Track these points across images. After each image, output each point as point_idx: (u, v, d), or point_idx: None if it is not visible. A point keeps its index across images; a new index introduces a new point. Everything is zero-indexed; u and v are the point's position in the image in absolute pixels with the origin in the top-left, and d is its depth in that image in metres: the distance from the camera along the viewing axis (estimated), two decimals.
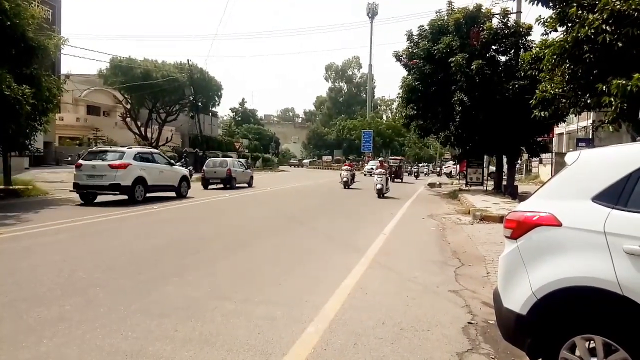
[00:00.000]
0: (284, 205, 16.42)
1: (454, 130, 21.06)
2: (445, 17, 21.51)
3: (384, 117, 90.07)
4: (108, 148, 16.67)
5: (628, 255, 2.63)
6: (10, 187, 16.30)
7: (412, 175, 46.73)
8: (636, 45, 8.61)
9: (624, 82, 8.30)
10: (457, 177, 35.45)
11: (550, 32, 11.14)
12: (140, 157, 15.16)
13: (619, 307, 2.64)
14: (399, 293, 5.51)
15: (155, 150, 18.66)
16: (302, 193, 22.39)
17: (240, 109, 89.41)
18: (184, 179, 17.46)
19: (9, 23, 14.00)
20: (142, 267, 6.44)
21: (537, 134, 20.58)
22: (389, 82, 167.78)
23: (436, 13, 22.27)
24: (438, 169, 62.77)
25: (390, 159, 41.71)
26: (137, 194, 14.61)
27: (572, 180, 3.13)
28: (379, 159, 27.76)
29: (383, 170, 20.78)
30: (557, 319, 2.89)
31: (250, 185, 25.02)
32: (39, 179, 21.19)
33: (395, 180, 33.73)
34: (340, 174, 26.61)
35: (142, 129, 46.88)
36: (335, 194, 22.05)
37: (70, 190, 14.70)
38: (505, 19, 20.13)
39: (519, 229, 3.16)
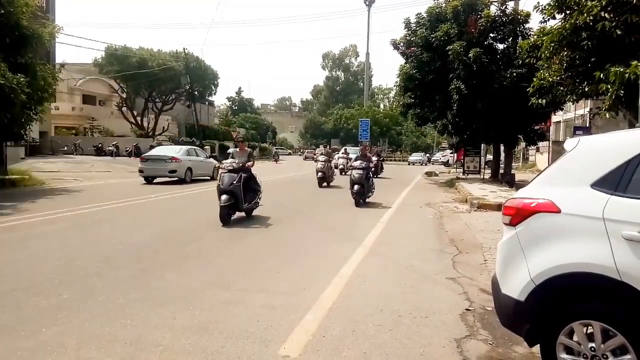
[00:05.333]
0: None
1: (452, 118, 21.00)
2: (443, 5, 21.33)
3: (382, 106, 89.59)
4: None
5: (627, 241, 2.63)
6: (6, 177, 16.20)
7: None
8: (635, 32, 8.58)
9: (621, 69, 8.29)
10: (455, 165, 34.57)
11: (548, 19, 11.11)
12: None
13: (617, 293, 2.66)
14: (397, 281, 5.53)
15: None
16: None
17: (236, 97, 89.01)
18: None
19: (2, 11, 13.87)
20: (141, 256, 6.44)
21: (535, 122, 20.58)
22: (387, 71, 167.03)
23: (434, 1, 22.12)
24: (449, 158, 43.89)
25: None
26: None
27: (571, 167, 3.12)
28: None
29: None
30: (555, 305, 2.90)
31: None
32: (35, 169, 21.10)
33: None
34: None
35: (138, 118, 46.67)
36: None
37: None
38: (504, 7, 20.05)
39: (518, 215, 3.15)
